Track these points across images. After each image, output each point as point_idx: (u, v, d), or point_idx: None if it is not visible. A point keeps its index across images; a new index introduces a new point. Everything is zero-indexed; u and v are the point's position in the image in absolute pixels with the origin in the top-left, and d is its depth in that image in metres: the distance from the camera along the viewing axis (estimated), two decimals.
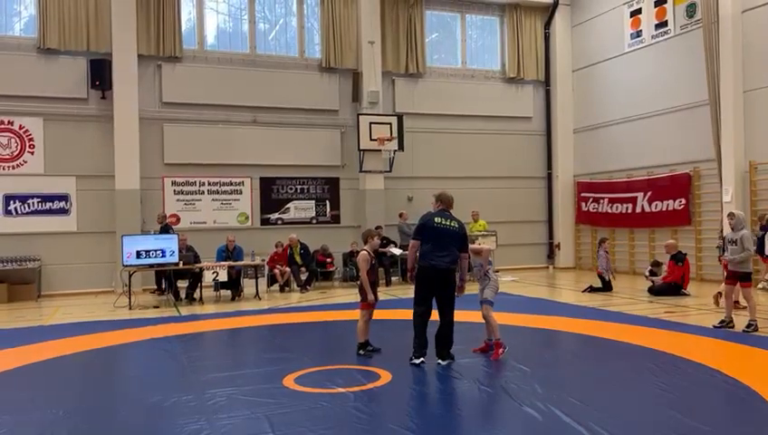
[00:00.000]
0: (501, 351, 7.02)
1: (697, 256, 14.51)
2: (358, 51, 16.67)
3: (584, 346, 8.06)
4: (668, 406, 5.23)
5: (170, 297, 12.67)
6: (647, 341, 7.79)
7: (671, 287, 12.16)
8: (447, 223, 6.82)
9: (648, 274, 13.05)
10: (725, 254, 8.90)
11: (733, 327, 8.58)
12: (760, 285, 12.24)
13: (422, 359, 6.68)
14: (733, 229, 8.65)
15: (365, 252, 7.34)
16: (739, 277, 8.56)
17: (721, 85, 13.67)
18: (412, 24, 17.32)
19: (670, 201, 15.34)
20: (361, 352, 7.32)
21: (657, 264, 13.24)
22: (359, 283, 7.44)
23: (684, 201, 14.98)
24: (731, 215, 8.82)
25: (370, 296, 7.20)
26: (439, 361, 6.76)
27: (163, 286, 13.67)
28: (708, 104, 13.97)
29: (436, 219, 6.83)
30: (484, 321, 7.29)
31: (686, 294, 12.06)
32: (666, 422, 4.87)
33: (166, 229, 13.75)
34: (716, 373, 6.28)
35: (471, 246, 7.30)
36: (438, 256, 6.68)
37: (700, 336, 8.17)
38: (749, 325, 8.43)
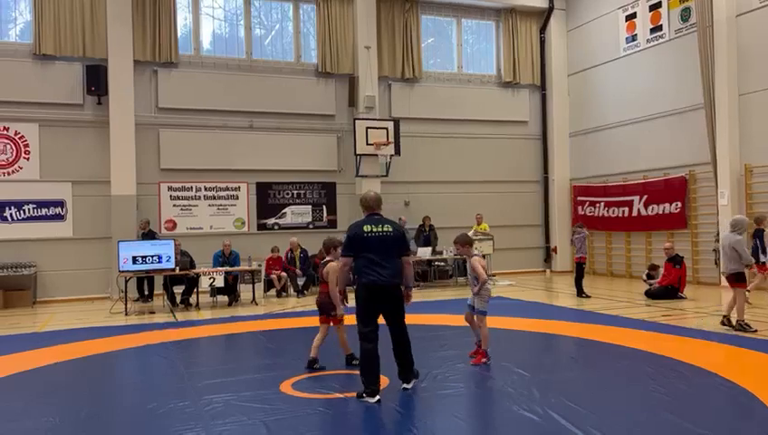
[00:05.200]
0: (484, 360, 6.97)
1: (694, 260, 14.55)
2: (354, 56, 16.69)
3: (582, 350, 8.05)
4: (666, 409, 5.22)
5: (167, 303, 12.62)
6: (644, 344, 7.79)
7: (668, 291, 12.17)
8: (380, 229, 5.77)
9: (645, 277, 13.07)
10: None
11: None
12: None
13: (377, 397, 5.55)
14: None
15: (337, 263, 6.48)
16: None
17: (716, 89, 13.73)
18: (408, 28, 17.36)
19: (666, 204, 15.37)
20: (354, 362, 6.84)
21: (654, 267, 13.24)
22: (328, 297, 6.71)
23: (680, 204, 15.01)
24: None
25: (340, 311, 6.65)
26: (404, 385, 5.95)
27: (145, 292, 13.62)
28: (703, 108, 14.02)
29: (365, 228, 5.77)
30: (467, 324, 7.29)
31: (682, 298, 12.06)
32: (663, 425, 4.87)
33: (151, 236, 13.68)
34: (714, 376, 6.27)
35: (474, 267, 6.96)
36: (377, 271, 5.68)
37: (697, 339, 8.17)
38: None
